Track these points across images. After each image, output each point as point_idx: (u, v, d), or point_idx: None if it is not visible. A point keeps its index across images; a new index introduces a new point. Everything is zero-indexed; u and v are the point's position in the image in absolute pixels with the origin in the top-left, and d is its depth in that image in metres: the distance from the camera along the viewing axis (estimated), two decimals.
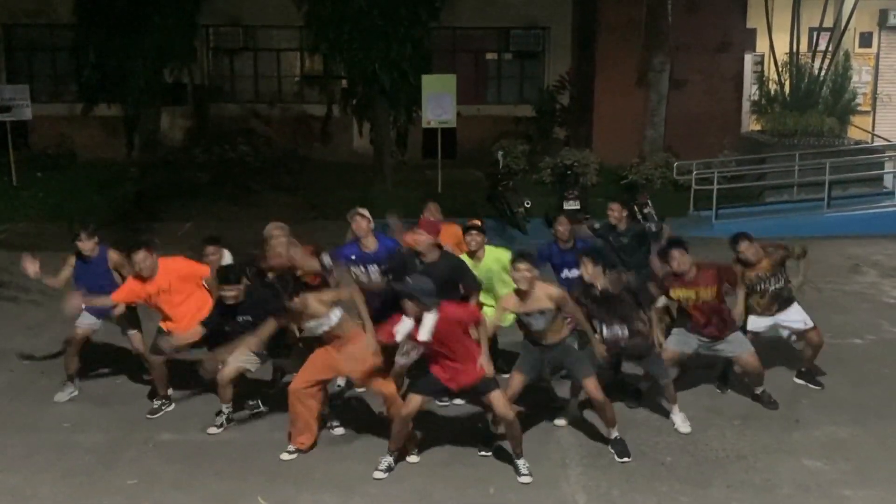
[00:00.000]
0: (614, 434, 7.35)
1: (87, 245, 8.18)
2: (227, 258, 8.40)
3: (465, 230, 8.31)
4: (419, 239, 7.78)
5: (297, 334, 7.78)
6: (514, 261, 7.09)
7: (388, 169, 18.76)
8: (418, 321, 6.63)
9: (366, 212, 8.17)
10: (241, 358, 7.58)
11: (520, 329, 7.40)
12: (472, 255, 8.21)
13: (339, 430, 7.69)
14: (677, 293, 7.97)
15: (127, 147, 20.56)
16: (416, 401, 6.89)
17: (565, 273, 8.51)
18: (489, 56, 24.20)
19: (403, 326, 6.72)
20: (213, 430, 7.72)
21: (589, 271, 7.45)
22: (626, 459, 7.19)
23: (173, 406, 8.17)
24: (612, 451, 7.29)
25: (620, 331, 7.47)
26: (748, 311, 8.49)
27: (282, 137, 21.56)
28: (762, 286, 8.39)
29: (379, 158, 18.95)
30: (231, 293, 7.42)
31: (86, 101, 19.77)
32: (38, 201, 17.55)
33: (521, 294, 7.08)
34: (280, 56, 23.87)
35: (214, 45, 23.48)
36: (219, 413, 7.78)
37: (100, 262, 8.19)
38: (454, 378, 6.81)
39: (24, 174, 18.78)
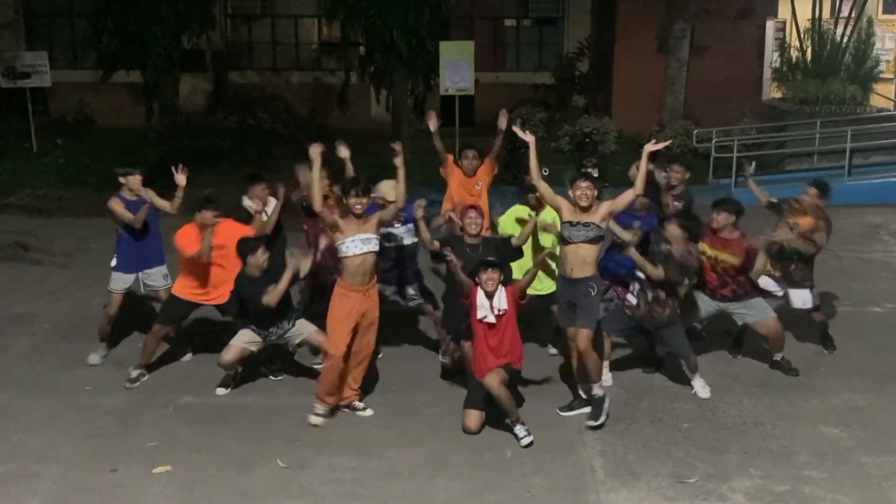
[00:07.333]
0: (595, 391, 7.19)
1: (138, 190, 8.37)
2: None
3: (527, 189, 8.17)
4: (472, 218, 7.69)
5: None
6: (573, 180, 7.14)
7: (406, 136, 18.69)
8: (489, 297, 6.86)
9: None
10: (244, 339, 7.66)
11: (560, 243, 7.31)
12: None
13: (368, 412, 7.55)
14: (703, 248, 7.95)
15: (146, 113, 20.58)
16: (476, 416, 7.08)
17: None
18: (508, 22, 24.01)
19: (482, 303, 6.88)
20: (220, 391, 7.82)
21: (674, 234, 7.51)
22: (592, 423, 7.10)
23: (147, 377, 8.12)
24: (586, 408, 7.27)
25: (656, 293, 7.54)
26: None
27: (300, 105, 21.51)
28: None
29: (396, 126, 18.89)
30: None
31: (105, 67, 19.74)
32: (58, 167, 17.65)
33: (580, 209, 7.12)
34: (298, 23, 23.78)
35: (232, 11, 23.42)
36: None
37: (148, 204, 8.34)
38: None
39: (44, 140, 18.87)
